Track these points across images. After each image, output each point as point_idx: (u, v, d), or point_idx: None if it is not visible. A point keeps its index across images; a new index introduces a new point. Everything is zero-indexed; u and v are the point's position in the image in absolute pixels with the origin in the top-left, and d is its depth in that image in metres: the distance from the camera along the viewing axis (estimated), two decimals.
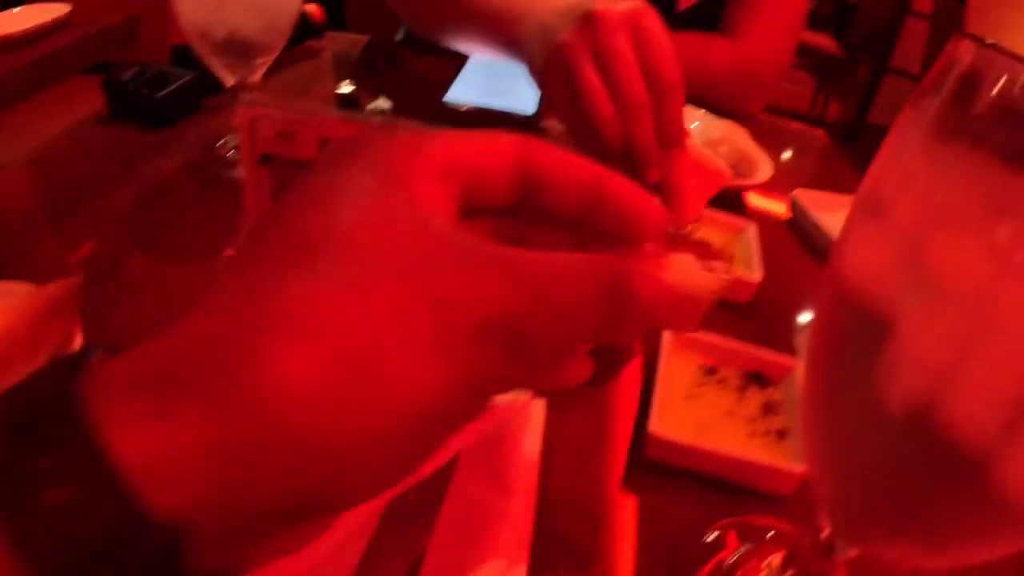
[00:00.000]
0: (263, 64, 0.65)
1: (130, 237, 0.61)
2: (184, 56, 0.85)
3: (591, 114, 0.57)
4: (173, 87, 0.78)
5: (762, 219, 0.76)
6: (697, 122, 0.87)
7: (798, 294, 0.68)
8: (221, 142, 0.73)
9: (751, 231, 0.69)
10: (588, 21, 0.59)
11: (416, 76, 0.95)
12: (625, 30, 0.58)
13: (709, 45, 1.03)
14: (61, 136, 0.80)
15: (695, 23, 1.06)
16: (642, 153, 0.57)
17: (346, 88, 0.84)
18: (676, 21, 1.02)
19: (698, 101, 0.91)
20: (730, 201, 0.75)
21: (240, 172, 0.67)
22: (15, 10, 1.41)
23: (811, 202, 0.77)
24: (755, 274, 0.63)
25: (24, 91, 1.25)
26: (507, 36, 0.70)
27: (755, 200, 0.80)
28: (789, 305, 0.66)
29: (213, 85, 0.82)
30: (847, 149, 5.37)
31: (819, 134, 1.10)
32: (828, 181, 0.92)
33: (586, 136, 0.58)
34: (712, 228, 0.69)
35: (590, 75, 0.57)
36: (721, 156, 0.76)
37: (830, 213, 0.76)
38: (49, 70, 1.28)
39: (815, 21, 7.56)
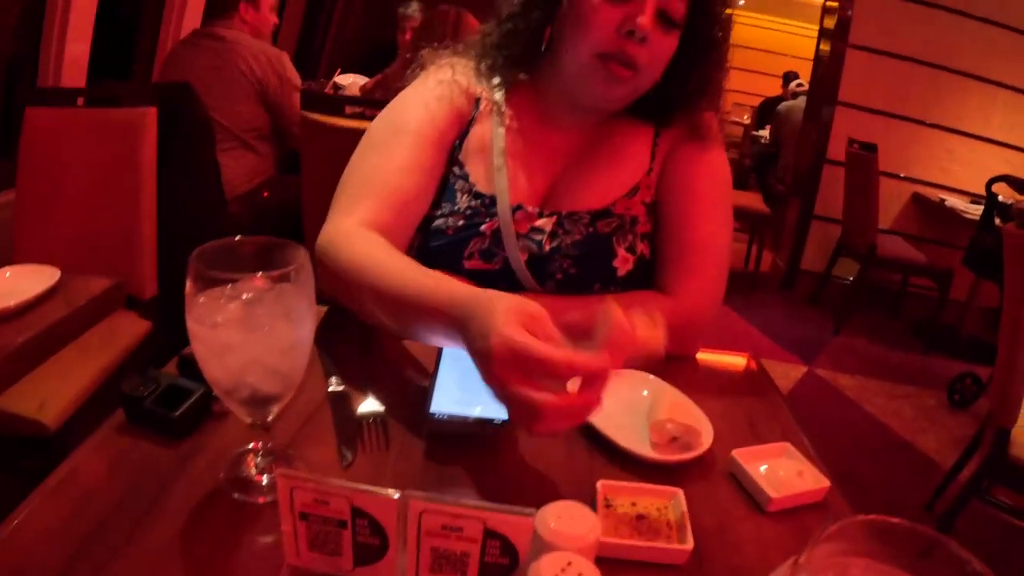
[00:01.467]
0: (275, 409, 0.75)
1: (184, 567, 0.67)
2: (190, 366, 0.96)
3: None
4: (188, 404, 0.87)
5: (704, 479, 0.87)
6: (646, 391, 1.00)
7: (739, 549, 0.77)
8: (242, 465, 0.80)
9: (680, 497, 0.79)
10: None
11: (390, 363, 1.06)
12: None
13: (650, 303, 1.15)
14: (86, 450, 0.85)
15: (633, 283, 1.20)
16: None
17: (336, 387, 0.95)
18: (618, 284, 1.17)
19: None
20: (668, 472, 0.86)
21: (262, 497, 0.77)
22: (6, 273, 1.49)
23: (747, 458, 0.88)
24: (687, 542, 0.73)
25: (26, 367, 1.33)
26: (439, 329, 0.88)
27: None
28: (732, 560, 0.75)
29: None
30: (784, 296, 5.64)
31: (752, 365, 1.22)
32: (763, 416, 1.05)
33: None
34: (647, 498, 0.80)
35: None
36: (667, 432, 0.89)
37: (769, 462, 0.88)
38: (47, 344, 1.37)
39: (739, 179, 8.04)
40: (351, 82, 4.29)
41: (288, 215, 3.09)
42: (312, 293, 0.73)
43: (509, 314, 0.75)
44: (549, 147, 1.26)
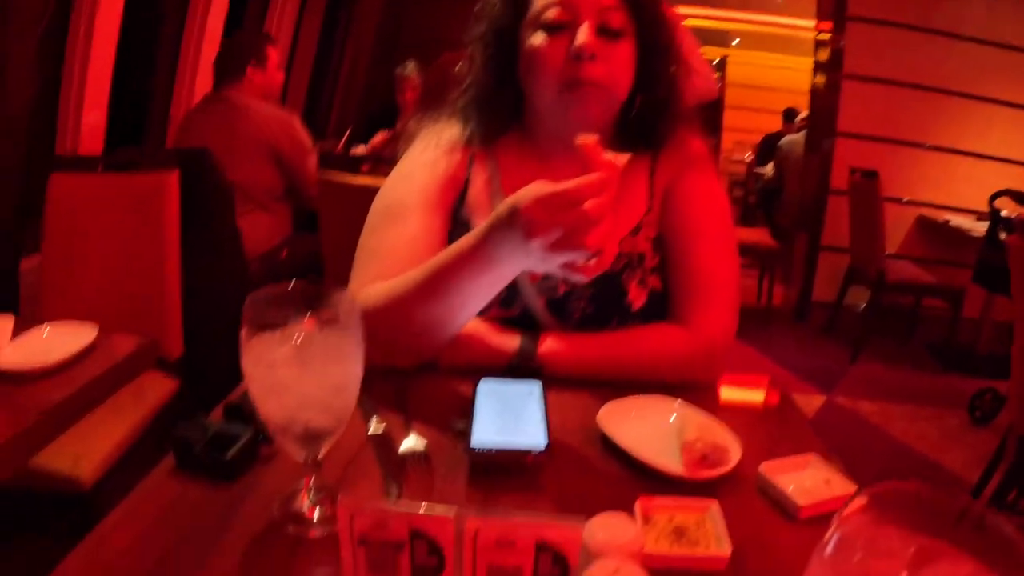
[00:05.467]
0: (327, 444, 0.79)
1: None
2: (236, 411, 1.00)
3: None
4: (238, 446, 0.90)
5: (735, 494, 0.90)
6: (674, 415, 1.03)
7: (774, 556, 0.81)
8: (295, 501, 0.83)
9: (715, 508, 0.83)
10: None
11: (427, 403, 1.10)
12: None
13: (664, 336, 1.20)
14: (136, 497, 0.88)
15: (649, 315, 1.24)
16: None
17: (377, 428, 0.98)
18: (634, 317, 1.21)
19: (664, 383, 1.08)
20: (700, 489, 0.89)
21: (317, 531, 0.80)
22: (44, 331, 1.54)
23: (774, 471, 0.91)
24: (724, 548, 0.77)
25: (64, 424, 1.36)
26: (489, 273, 1.02)
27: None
28: (768, 566, 0.78)
29: (266, 436, 0.95)
30: (798, 328, 5.66)
31: (774, 396, 1.25)
32: (786, 432, 1.10)
33: None
34: (683, 513, 0.83)
35: None
36: (696, 451, 0.92)
37: (795, 474, 0.91)
38: (84, 401, 1.41)
39: (745, 216, 8.10)
40: (362, 151, 4.40)
41: (307, 272, 3.15)
42: (359, 333, 0.78)
43: (523, 191, 0.92)
44: None
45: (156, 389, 2.21)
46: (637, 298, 1.24)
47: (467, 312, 1.11)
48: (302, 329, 0.74)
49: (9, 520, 2.09)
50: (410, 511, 0.65)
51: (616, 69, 1.19)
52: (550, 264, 0.95)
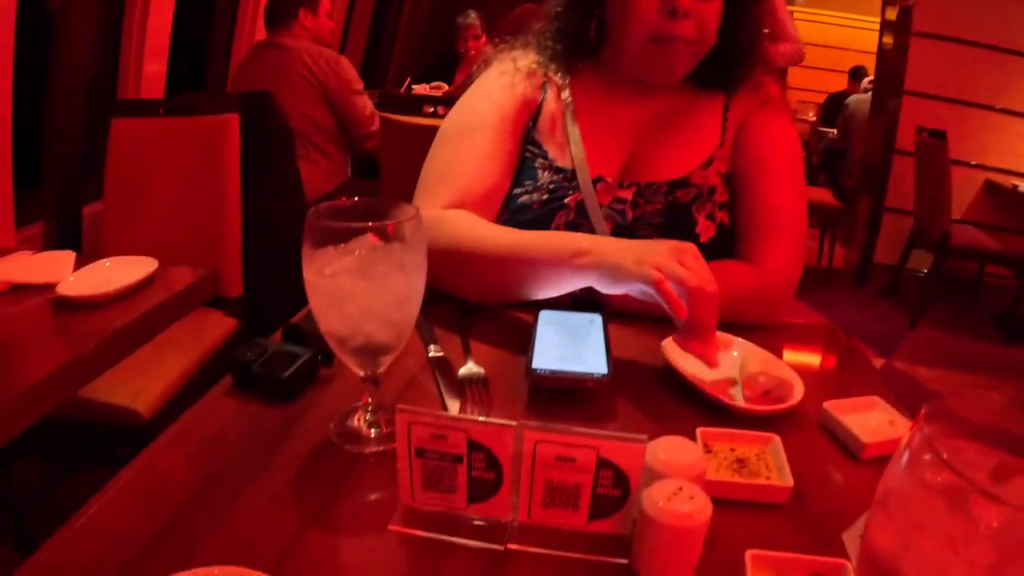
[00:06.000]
0: (387, 360, 0.78)
1: (294, 515, 0.71)
2: (295, 334, 1.00)
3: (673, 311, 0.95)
4: (296, 366, 0.90)
5: (797, 430, 0.88)
6: (736, 351, 1.01)
7: (836, 492, 0.80)
8: (351, 419, 0.84)
9: (777, 442, 0.81)
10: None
11: (486, 329, 1.10)
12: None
13: (731, 272, 1.17)
14: (196, 412, 0.89)
15: (715, 251, 1.22)
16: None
17: (436, 352, 0.98)
18: (700, 251, 1.19)
19: (728, 322, 1.07)
20: (762, 423, 0.87)
21: (373, 448, 0.80)
22: (106, 263, 1.56)
23: (839, 409, 0.89)
24: (787, 480, 0.75)
25: (124, 351, 1.38)
26: (567, 267, 1.04)
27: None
28: (830, 503, 0.77)
29: (325, 358, 0.96)
30: (858, 291, 5.55)
31: (840, 336, 1.22)
32: (849, 378, 1.07)
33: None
34: (745, 445, 0.82)
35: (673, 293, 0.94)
36: (759, 385, 0.90)
37: (860, 414, 0.89)
38: (143, 329, 1.43)
39: (808, 176, 7.91)
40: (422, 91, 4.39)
41: None
42: (423, 249, 0.77)
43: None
44: (620, 121, 1.31)
45: (215, 327, 2.25)
46: (705, 231, 1.23)
47: (527, 289, 1.12)
48: (366, 242, 0.73)
49: (72, 451, 2.16)
50: (469, 421, 0.64)
51: (706, 26, 1.19)
52: (646, 267, 0.97)
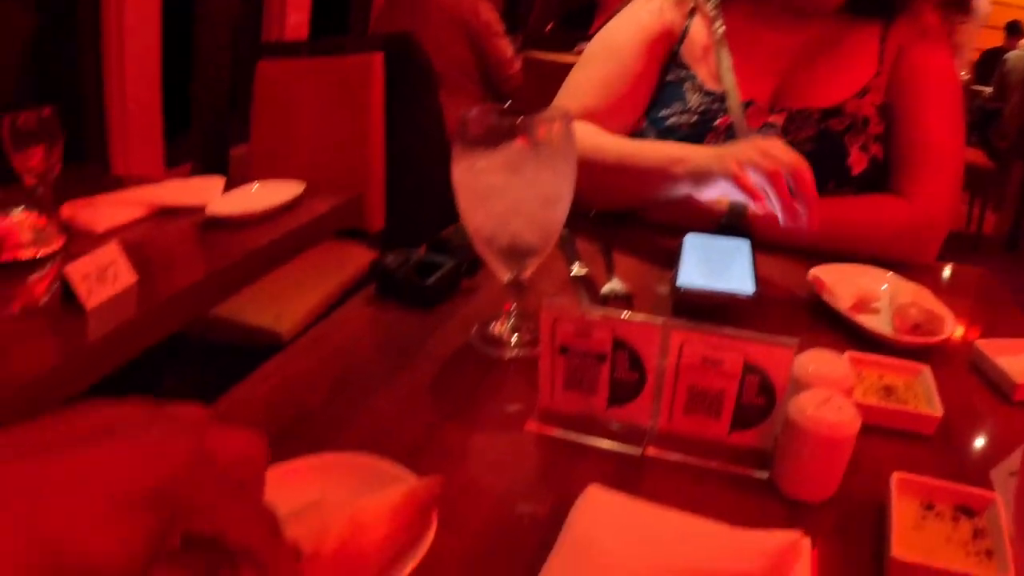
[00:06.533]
0: (533, 264, 0.79)
1: (431, 410, 0.73)
2: (441, 246, 1.02)
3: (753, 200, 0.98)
4: (439, 274, 0.93)
5: (947, 365, 0.84)
6: (886, 284, 0.97)
7: (985, 430, 0.77)
8: (492, 325, 0.85)
9: (927, 373, 0.78)
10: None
11: (629, 250, 1.10)
12: None
13: (884, 206, 1.15)
14: (336, 317, 0.93)
15: (867, 185, 1.18)
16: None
17: (579, 271, 0.98)
18: (851, 183, 1.15)
19: (879, 257, 1.03)
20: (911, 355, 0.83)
21: (509, 352, 0.81)
22: (253, 187, 1.64)
23: (992, 349, 0.85)
24: (936, 409, 0.72)
25: (267, 267, 1.45)
26: (668, 174, 1.08)
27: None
28: (977, 440, 0.75)
29: (469, 268, 0.98)
30: (1008, 259, 5.24)
31: (992, 280, 1.17)
32: (1000, 321, 1.01)
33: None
34: (893, 373, 0.79)
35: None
36: (910, 317, 0.86)
37: (1011, 357, 0.84)
38: (285, 247, 1.49)
39: None
40: None
41: None
42: (573, 154, 0.77)
43: None
44: (772, 46, 1.26)
45: (357, 259, 2.31)
46: (857, 163, 1.18)
47: (642, 199, 1.20)
48: (516, 145, 0.74)
49: (216, 371, 2.28)
50: (615, 318, 0.64)
51: None
52: (726, 161, 1.00)
